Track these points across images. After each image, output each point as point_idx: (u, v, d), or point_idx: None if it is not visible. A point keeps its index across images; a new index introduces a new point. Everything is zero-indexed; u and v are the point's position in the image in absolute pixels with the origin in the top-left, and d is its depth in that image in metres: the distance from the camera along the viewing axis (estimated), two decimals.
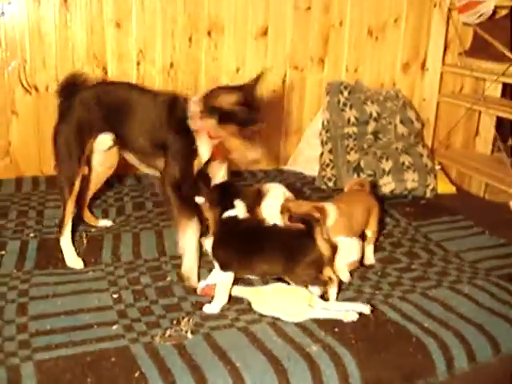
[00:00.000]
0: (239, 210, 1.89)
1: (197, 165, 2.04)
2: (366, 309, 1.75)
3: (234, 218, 1.87)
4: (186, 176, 2.04)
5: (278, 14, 3.12)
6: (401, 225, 2.58)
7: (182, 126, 2.03)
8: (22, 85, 2.83)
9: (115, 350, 1.58)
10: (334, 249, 1.89)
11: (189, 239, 2.02)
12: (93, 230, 2.37)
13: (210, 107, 2.00)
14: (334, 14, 3.23)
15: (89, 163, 2.30)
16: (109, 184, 2.65)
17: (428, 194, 2.97)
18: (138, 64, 2.96)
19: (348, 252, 2.04)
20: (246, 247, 1.84)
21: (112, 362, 1.52)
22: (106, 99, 2.19)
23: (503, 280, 2.09)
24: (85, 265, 2.09)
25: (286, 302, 1.77)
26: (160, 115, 2.09)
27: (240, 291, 1.88)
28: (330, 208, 2.06)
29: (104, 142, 2.23)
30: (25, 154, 2.93)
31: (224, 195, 1.93)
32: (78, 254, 2.13)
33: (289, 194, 2.19)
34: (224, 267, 1.83)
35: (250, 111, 2.01)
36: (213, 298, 1.83)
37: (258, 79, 2.05)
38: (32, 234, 2.28)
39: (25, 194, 2.68)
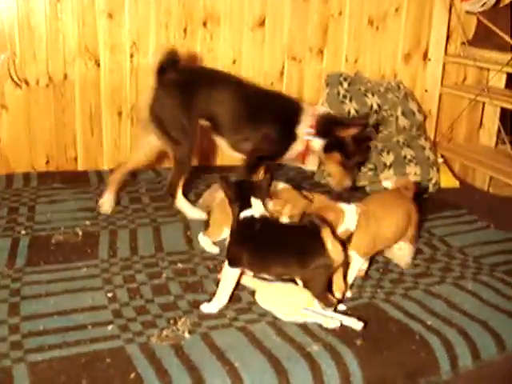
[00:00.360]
0: (256, 208, 1.81)
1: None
2: (359, 326, 1.67)
3: (250, 217, 1.80)
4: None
5: (275, 3, 3.05)
6: None
7: (288, 125, 2.29)
8: (12, 78, 2.76)
9: (110, 350, 1.54)
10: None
11: None
12: (87, 223, 2.32)
13: (324, 130, 2.25)
14: (334, 3, 3.16)
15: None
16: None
17: (431, 188, 2.93)
18: (132, 56, 2.89)
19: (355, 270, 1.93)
20: (260, 248, 1.77)
21: (107, 363, 1.49)
22: (199, 82, 2.35)
23: (508, 275, 2.06)
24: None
25: (284, 300, 1.73)
26: (269, 110, 2.35)
27: (248, 281, 1.85)
28: (349, 210, 1.88)
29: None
30: (15, 149, 2.86)
31: (241, 192, 1.84)
32: (72, 249, 2.10)
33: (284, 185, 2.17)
34: (232, 264, 1.78)
35: (357, 146, 2.27)
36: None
37: (367, 117, 2.41)
38: (23, 231, 2.22)
39: (16, 190, 2.62)
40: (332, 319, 1.66)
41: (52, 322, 1.65)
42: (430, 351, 1.63)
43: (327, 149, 2.33)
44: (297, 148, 2.39)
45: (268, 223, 1.82)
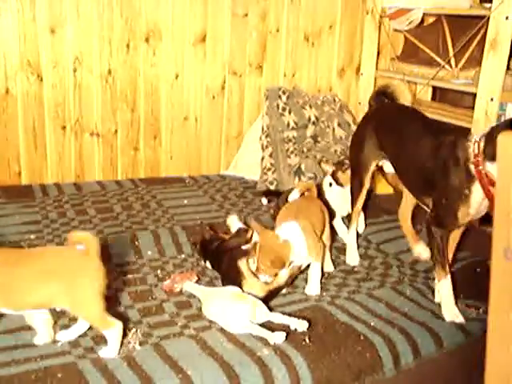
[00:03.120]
0: None
1: (464, 212, 1.87)
2: (304, 326, 1.75)
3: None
4: (451, 221, 1.92)
5: (215, 20, 3.14)
6: None
7: (461, 167, 1.84)
8: None
9: (61, 366, 1.54)
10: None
11: (444, 285, 1.96)
12: (32, 236, 2.31)
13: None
14: (271, 20, 3.28)
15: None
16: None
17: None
18: (75, 71, 2.90)
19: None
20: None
21: (58, 379, 1.49)
22: (389, 123, 2.22)
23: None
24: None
25: (227, 311, 1.76)
26: (440, 153, 1.93)
27: (195, 290, 1.92)
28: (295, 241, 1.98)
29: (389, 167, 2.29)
30: None
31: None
32: None
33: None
34: None
35: None
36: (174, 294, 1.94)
37: None
38: None
39: None
40: (276, 334, 1.69)
41: None
42: (374, 351, 1.70)
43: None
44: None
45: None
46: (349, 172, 2.43)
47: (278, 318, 1.79)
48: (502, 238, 0.82)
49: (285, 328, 1.73)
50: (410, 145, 2.07)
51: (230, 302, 1.79)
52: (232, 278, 1.93)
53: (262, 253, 1.90)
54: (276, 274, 1.92)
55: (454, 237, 2.09)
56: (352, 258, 2.31)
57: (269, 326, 1.74)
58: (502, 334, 0.81)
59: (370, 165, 2.28)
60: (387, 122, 2.25)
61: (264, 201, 2.87)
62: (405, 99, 2.32)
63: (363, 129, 2.32)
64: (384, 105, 2.37)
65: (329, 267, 2.21)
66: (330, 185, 2.55)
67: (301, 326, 1.75)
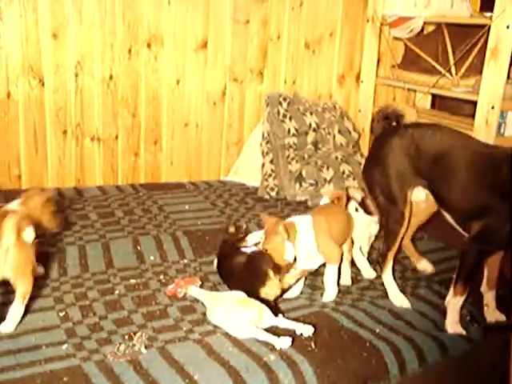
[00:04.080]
0: None
1: None
2: (309, 331, 1.75)
3: None
4: (501, 241, 1.85)
5: (217, 27, 3.15)
6: None
7: None
8: None
9: (67, 369, 1.53)
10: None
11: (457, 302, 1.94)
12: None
13: None
14: (272, 27, 3.30)
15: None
16: None
17: None
18: (76, 76, 2.90)
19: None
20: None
21: (64, 382, 1.48)
22: (424, 146, 1.99)
23: (442, 286, 2.15)
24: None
25: (233, 316, 1.76)
26: (489, 173, 1.84)
27: (199, 295, 1.91)
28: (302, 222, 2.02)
29: (418, 194, 2.10)
30: None
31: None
32: None
33: None
34: None
35: None
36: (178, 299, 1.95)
37: None
38: None
39: None
40: (282, 339, 1.69)
41: (2, 345, 1.62)
42: (379, 357, 1.70)
43: None
44: None
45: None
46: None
47: (283, 322, 1.78)
48: None
49: (290, 333, 1.73)
50: (459, 168, 1.91)
51: (236, 307, 1.78)
52: (250, 278, 1.91)
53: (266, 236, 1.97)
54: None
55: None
56: (398, 299, 2.06)
57: (274, 331, 1.73)
58: None
59: (408, 194, 2.06)
60: (424, 145, 2.01)
61: None
62: (410, 117, 2.21)
63: (392, 156, 2.05)
64: (406, 127, 2.14)
65: (346, 280, 2.17)
66: (357, 210, 2.31)
67: (306, 330, 1.74)
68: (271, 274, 1.89)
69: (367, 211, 2.30)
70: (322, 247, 2.00)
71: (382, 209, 2.10)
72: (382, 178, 2.08)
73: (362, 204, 2.32)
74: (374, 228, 2.31)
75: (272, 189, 3.05)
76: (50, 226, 1.93)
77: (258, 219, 2.59)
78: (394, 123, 2.19)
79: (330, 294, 2.02)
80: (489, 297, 2.05)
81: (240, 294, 1.85)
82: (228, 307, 1.79)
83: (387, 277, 2.09)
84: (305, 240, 1.99)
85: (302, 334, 1.73)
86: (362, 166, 2.17)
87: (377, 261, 2.15)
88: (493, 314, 2.03)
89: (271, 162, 3.13)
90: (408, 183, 2.04)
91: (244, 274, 1.95)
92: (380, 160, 2.09)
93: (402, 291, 2.10)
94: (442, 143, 1.99)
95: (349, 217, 2.18)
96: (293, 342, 1.68)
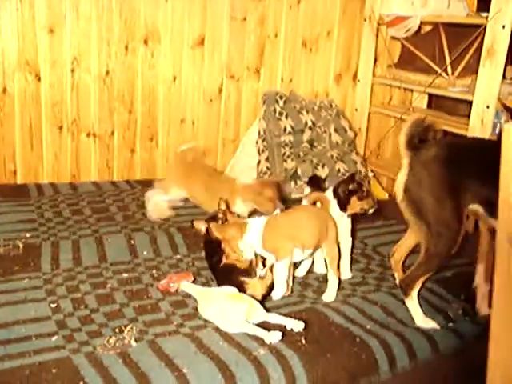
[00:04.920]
0: None
1: None
2: (300, 326, 1.74)
3: None
4: None
5: (214, 23, 3.16)
6: None
7: None
8: None
9: (56, 361, 1.53)
10: None
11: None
12: (28, 235, 2.30)
13: None
14: (270, 25, 3.30)
15: None
16: None
17: None
18: (73, 71, 2.91)
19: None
20: None
21: (53, 374, 1.48)
22: (477, 162, 1.84)
23: (436, 284, 2.15)
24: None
25: (224, 311, 1.76)
26: None
27: (191, 290, 1.91)
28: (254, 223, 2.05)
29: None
30: None
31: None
32: (13, 261, 2.07)
33: None
34: None
35: None
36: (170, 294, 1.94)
37: None
38: None
39: None
40: (272, 333, 1.68)
41: None
42: (369, 353, 1.70)
43: None
44: None
45: None
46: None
47: (274, 318, 1.78)
48: (506, 225, 0.83)
49: (281, 328, 1.72)
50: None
51: (227, 302, 1.78)
52: (233, 284, 1.93)
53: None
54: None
55: None
56: (426, 322, 1.94)
57: (265, 326, 1.73)
58: (508, 315, 0.81)
59: (464, 215, 1.91)
60: (473, 161, 1.87)
61: None
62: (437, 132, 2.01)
63: (439, 177, 1.89)
64: (448, 143, 2.04)
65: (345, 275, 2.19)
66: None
67: (297, 326, 1.74)
68: (245, 279, 1.92)
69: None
70: (268, 244, 1.98)
71: (434, 232, 1.92)
72: (432, 198, 1.91)
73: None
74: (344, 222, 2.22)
75: None
76: None
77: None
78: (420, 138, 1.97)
79: (277, 291, 1.97)
80: (484, 290, 2.05)
81: (231, 289, 1.85)
82: (219, 302, 1.79)
83: (413, 302, 1.95)
84: (250, 237, 1.99)
85: (292, 329, 1.73)
86: (401, 188, 2.00)
87: (400, 285, 2.01)
88: (487, 308, 2.01)
89: (267, 159, 3.14)
90: (464, 201, 1.89)
91: (226, 282, 1.96)
92: (426, 184, 1.92)
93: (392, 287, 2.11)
94: (491, 156, 1.84)
95: (326, 217, 2.08)
96: (283, 337, 1.68)
